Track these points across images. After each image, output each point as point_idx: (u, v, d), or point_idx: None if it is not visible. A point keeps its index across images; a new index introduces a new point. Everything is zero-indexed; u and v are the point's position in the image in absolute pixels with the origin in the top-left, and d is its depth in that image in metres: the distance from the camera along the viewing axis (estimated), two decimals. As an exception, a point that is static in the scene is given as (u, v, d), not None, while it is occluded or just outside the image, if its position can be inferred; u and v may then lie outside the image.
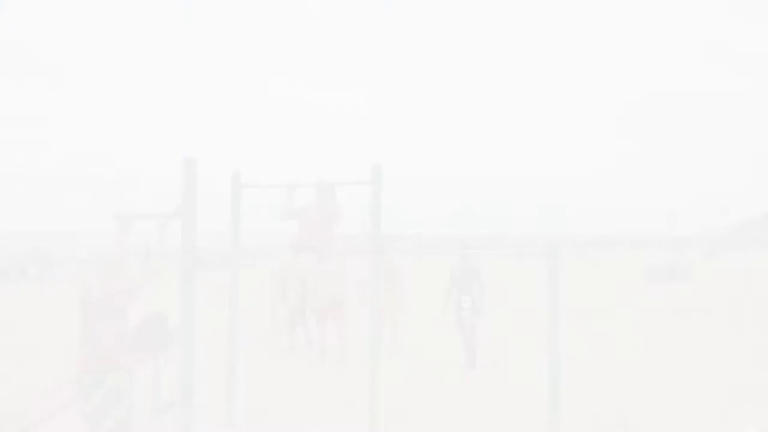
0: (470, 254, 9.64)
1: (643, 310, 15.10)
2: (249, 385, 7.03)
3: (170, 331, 6.90)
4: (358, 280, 11.31)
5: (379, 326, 5.66)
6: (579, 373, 8.52)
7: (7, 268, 33.87)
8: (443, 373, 8.86)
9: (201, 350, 7.65)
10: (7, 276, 32.41)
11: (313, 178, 5.61)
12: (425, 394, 7.70)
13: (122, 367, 4.29)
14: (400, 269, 10.78)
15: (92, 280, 4.44)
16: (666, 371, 8.73)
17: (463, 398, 7.49)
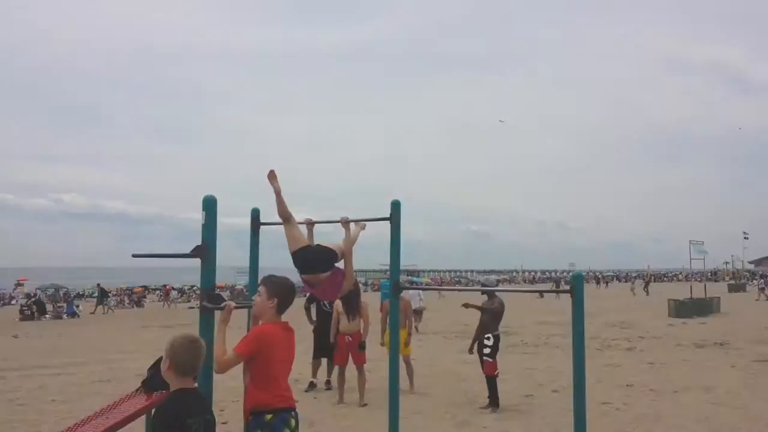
0: (495, 292, 9.55)
1: None
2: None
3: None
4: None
5: (398, 363, 5.59)
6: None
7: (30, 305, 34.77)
8: (465, 413, 8.71)
9: (221, 389, 7.65)
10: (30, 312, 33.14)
11: (332, 215, 5.60)
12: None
13: None
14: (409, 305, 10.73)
15: None
16: None
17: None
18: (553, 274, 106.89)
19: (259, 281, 4.24)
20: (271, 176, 4.98)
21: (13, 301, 53.00)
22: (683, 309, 25.14)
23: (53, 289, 59.26)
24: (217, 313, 4.12)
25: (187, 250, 4.24)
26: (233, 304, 4.01)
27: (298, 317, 10.81)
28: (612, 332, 19.14)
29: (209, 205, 4.23)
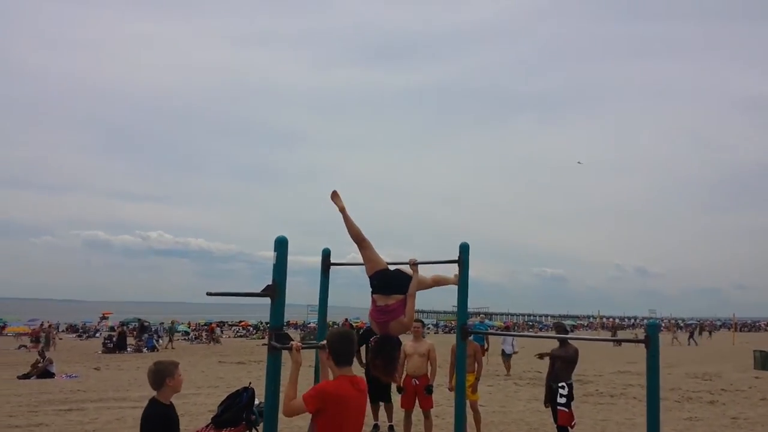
0: (568, 339, 9.32)
1: None
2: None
3: (259, 406, 7.02)
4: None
5: (464, 407, 5.52)
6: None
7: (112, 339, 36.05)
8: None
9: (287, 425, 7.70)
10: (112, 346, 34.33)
11: (405, 256, 5.64)
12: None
13: None
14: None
15: None
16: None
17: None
18: (633, 320, 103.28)
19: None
20: (334, 196, 5.07)
21: (97, 334, 55.07)
22: (771, 361, 23.76)
23: (136, 322, 61.30)
24: (285, 353, 4.20)
25: (263, 288, 4.36)
26: (299, 344, 4.07)
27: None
28: (693, 384, 18.26)
29: (280, 246, 4.35)
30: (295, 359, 3.99)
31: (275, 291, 4.25)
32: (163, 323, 60.47)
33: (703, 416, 12.41)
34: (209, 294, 4.48)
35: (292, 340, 4.19)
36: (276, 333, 4.24)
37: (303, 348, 4.07)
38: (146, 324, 47.99)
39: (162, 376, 4.54)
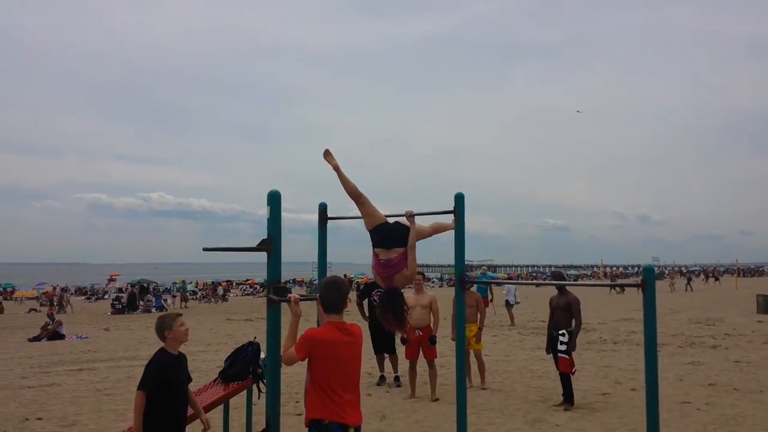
0: (566, 287, 9.36)
1: None
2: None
3: (265, 360, 7.10)
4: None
5: (464, 357, 5.58)
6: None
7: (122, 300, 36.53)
8: (538, 411, 8.60)
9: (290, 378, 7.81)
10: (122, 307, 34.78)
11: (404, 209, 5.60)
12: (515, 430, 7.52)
13: None
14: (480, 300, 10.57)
15: None
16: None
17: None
18: (636, 268, 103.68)
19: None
20: (327, 154, 5.03)
21: (105, 296, 55.69)
22: (774, 305, 23.92)
23: (144, 284, 61.94)
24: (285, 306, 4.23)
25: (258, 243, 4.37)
26: (297, 296, 4.11)
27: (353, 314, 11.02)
28: (696, 329, 18.43)
29: (273, 200, 4.34)
30: (294, 311, 4.04)
31: (271, 245, 4.26)
32: (176, 283, 61.29)
33: (706, 360, 12.55)
34: (205, 249, 4.50)
35: (291, 293, 4.22)
36: (274, 286, 4.26)
37: (301, 300, 4.10)
38: (146, 286, 48.62)
39: (161, 329, 4.74)
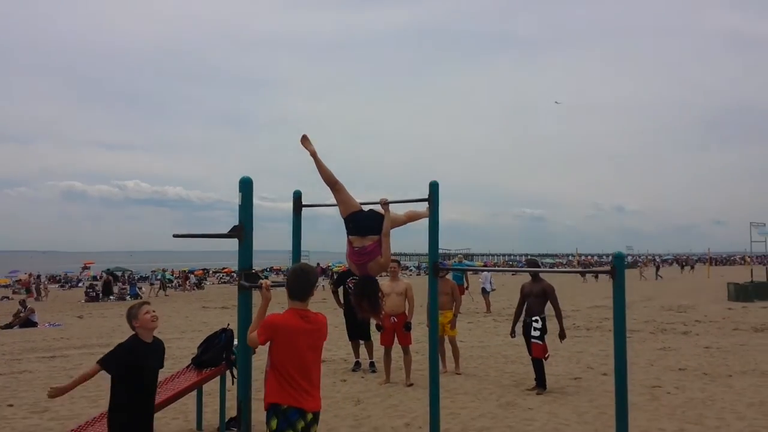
0: (540, 274, 9.47)
1: None
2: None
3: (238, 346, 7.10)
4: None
5: (437, 342, 5.61)
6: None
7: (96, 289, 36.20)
8: (511, 395, 8.69)
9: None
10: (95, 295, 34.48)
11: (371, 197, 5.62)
12: (491, 416, 7.59)
13: None
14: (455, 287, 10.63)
15: None
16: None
17: (530, 422, 7.33)
18: (610, 257, 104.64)
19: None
20: (304, 140, 4.96)
21: (79, 284, 55.07)
22: (743, 293, 24.40)
23: (119, 272, 61.35)
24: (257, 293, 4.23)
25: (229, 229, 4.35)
26: (268, 282, 4.11)
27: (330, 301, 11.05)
28: (668, 316, 18.73)
29: (245, 187, 4.33)
30: (264, 296, 4.04)
31: (242, 232, 4.25)
32: (154, 271, 60.75)
33: (677, 346, 12.76)
34: (175, 236, 4.48)
35: (262, 279, 4.22)
36: (245, 273, 4.26)
37: (272, 286, 4.10)
38: (118, 275, 48.52)
39: (129, 319, 4.74)
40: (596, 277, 41.33)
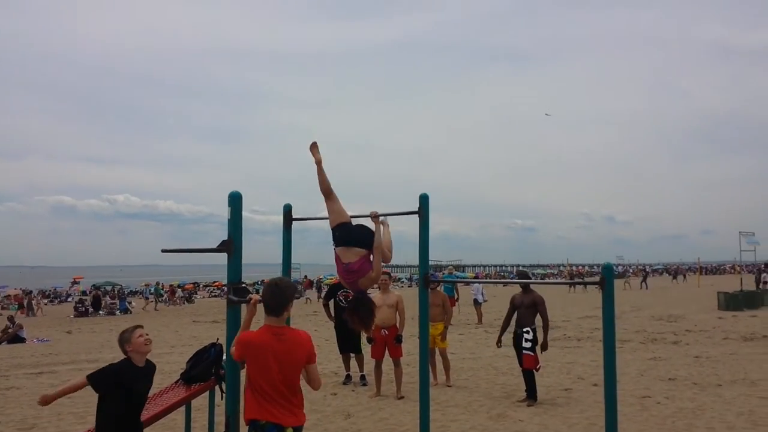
0: (530, 285, 9.51)
1: None
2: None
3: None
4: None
5: (427, 355, 5.61)
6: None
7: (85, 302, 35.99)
8: (502, 407, 8.68)
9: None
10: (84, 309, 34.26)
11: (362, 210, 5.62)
12: (481, 429, 7.58)
13: None
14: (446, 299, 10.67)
15: None
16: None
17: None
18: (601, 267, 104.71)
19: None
20: (313, 147, 4.95)
21: (69, 299, 54.73)
22: (733, 302, 24.50)
23: (109, 286, 61.04)
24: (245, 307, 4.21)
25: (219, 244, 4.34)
26: (257, 297, 4.09)
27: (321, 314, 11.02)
28: (658, 326, 18.78)
29: (234, 201, 4.33)
30: (249, 311, 4.03)
31: (231, 246, 4.25)
32: (148, 285, 60.45)
33: (667, 356, 12.80)
34: (164, 251, 4.47)
35: (251, 294, 4.21)
36: (234, 287, 4.25)
37: (260, 301, 4.09)
38: (108, 289, 48.49)
39: (121, 344, 4.67)
40: (585, 287, 41.47)
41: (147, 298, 43.91)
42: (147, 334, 4.70)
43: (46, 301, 55.04)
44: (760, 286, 33.41)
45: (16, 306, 38.95)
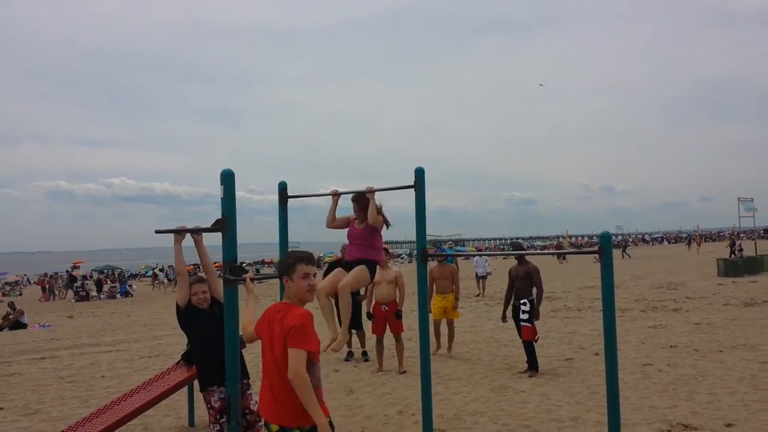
0: (525, 257, 9.49)
1: None
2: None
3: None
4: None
5: (427, 329, 5.60)
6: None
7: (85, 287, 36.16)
8: (504, 378, 8.69)
9: (250, 359, 7.78)
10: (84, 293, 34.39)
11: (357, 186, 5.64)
12: (484, 401, 7.59)
13: None
14: (456, 272, 10.77)
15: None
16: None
17: (523, 404, 7.33)
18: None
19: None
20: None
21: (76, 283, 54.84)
22: (733, 268, 24.57)
23: (108, 270, 61.13)
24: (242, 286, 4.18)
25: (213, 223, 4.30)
26: (251, 275, 4.06)
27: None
28: (658, 294, 18.83)
29: (227, 179, 4.27)
30: (249, 289, 3.98)
31: (225, 225, 4.20)
32: (157, 265, 60.77)
33: (667, 323, 12.83)
34: (157, 232, 4.42)
35: (246, 273, 4.17)
36: (230, 267, 4.20)
37: (254, 279, 4.05)
38: (109, 272, 49.00)
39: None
40: (564, 257, 41.83)
41: (158, 278, 44.17)
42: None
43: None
44: (735, 253, 33.59)
45: (45, 289, 39.13)
